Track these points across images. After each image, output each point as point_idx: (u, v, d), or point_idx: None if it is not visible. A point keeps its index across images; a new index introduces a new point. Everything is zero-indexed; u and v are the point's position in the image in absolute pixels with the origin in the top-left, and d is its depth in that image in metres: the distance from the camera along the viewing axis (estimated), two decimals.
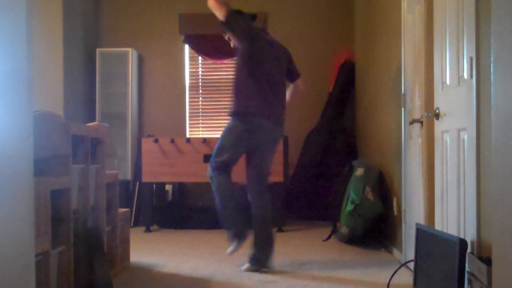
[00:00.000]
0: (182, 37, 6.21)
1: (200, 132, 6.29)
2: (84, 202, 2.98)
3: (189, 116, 6.32)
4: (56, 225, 2.65)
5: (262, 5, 6.22)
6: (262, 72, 3.63)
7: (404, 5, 3.63)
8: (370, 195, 4.26)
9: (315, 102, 6.15)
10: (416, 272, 2.73)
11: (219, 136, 3.76)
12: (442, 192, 2.87)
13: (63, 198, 2.69)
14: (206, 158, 5.15)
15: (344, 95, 6.11)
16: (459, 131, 2.61)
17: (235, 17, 3.64)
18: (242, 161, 3.72)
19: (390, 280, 2.98)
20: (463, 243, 2.27)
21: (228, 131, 3.65)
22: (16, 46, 1.78)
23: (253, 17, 3.83)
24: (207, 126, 6.33)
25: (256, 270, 3.55)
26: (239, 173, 3.84)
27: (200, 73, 6.37)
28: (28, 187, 1.81)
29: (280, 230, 5.17)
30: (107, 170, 3.38)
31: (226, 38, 3.85)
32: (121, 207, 3.80)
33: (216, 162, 3.67)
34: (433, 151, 3.05)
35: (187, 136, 6.17)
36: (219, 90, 6.31)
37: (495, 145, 1.76)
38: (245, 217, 3.65)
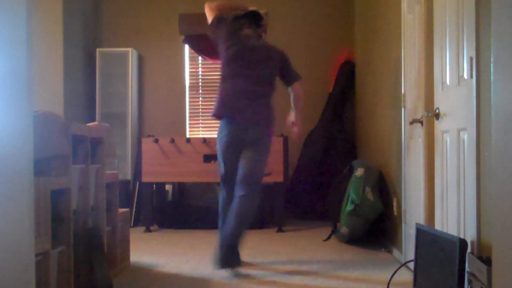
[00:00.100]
0: (182, 37, 6.22)
1: (200, 132, 6.30)
2: (84, 202, 2.98)
3: (189, 116, 6.32)
4: (56, 225, 2.65)
5: (262, 5, 6.21)
6: (235, 75, 3.70)
7: (404, 5, 3.63)
8: (370, 195, 4.26)
9: (315, 102, 6.15)
10: (416, 272, 2.73)
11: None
12: (442, 192, 2.87)
13: (63, 198, 2.69)
14: (206, 158, 5.16)
15: (344, 95, 6.12)
16: (459, 131, 2.61)
17: (216, 25, 3.80)
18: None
19: (390, 280, 2.98)
20: (463, 243, 2.27)
21: (217, 141, 3.75)
22: (16, 46, 1.78)
23: (254, 17, 3.80)
24: (207, 126, 6.33)
25: (225, 267, 3.47)
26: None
27: (200, 73, 6.37)
28: (28, 187, 1.81)
29: (280, 230, 5.17)
30: (107, 170, 3.38)
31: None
32: (121, 207, 3.80)
33: (220, 178, 3.75)
34: (433, 151, 3.06)
35: (187, 136, 6.18)
36: None
37: (495, 145, 1.76)
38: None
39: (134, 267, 3.73)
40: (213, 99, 6.42)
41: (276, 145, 5.21)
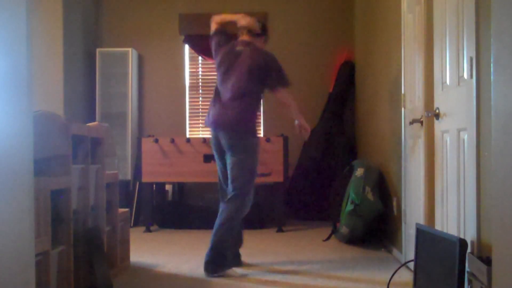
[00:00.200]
0: (182, 37, 6.22)
1: (200, 132, 6.29)
2: (84, 202, 2.98)
3: (189, 116, 6.32)
4: (56, 225, 2.65)
5: (262, 5, 6.22)
6: (218, 83, 3.80)
7: (404, 5, 3.63)
8: (370, 195, 4.26)
9: (315, 102, 6.15)
10: (416, 272, 2.72)
11: None
12: (442, 192, 2.87)
13: (63, 198, 2.69)
14: (206, 158, 5.16)
15: (344, 95, 6.11)
16: (459, 131, 2.61)
17: (212, 37, 4.04)
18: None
19: (390, 280, 2.98)
20: (463, 243, 2.27)
21: None
22: (16, 46, 1.78)
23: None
24: None
25: (214, 274, 3.45)
26: None
27: (200, 73, 6.37)
28: (28, 187, 1.82)
29: (280, 230, 5.17)
30: (107, 170, 3.38)
31: None
32: (121, 207, 3.79)
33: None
34: (433, 151, 3.05)
35: (187, 136, 6.17)
36: None
37: (495, 145, 1.76)
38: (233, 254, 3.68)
39: (134, 267, 3.73)
40: None
41: (276, 145, 5.21)
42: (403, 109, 3.68)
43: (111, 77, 5.93)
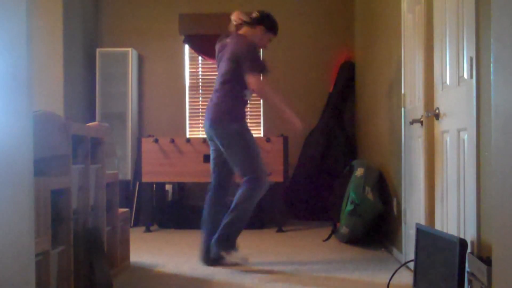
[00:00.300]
0: (182, 37, 6.22)
1: (200, 132, 6.29)
2: (84, 202, 2.98)
3: (189, 116, 6.32)
4: (56, 225, 2.65)
5: (262, 5, 6.21)
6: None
7: (404, 5, 3.63)
8: (370, 195, 4.26)
9: (315, 102, 6.15)
10: (416, 272, 2.73)
11: None
12: (442, 192, 2.87)
13: (63, 198, 2.69)
14: (206, 158, 5.15)
15: (344, 95, 6.11)
16: (459, 131, 2.61)
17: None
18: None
19: (390, 280, 2.98)
20: (463, 243, 2.27)
21: None
22: (16, 46, 1.78)
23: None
24: None
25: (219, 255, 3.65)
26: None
27: (200, 73, 6.37)
28: (28, 187, 1.82)
29: (280, 230, 5.17)
30: (107, 170, 3.38)
31: None
32: (121, 207, 3.80)
33: None
34: (433, 151, 3.06)
35: (187, 136, 6.17)
36: None
37: (495, 145, 1.76)
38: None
39: (134, 267, 3.73)
40: None
41: (276, 145, 5.21)
42: (403, 109, 3.68)
43: (111, 77, 5.93)
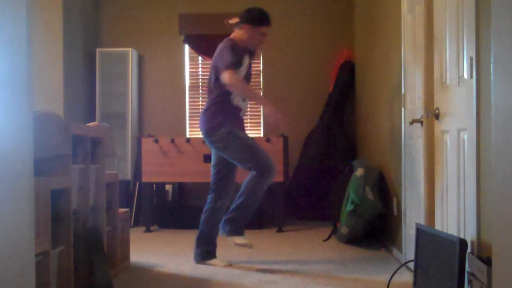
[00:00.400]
0: (182, 37, 6.21)
1: (200, 132, 6.29)
2: (84, 202, 2.98)
3: (189, 116, 6.32)
4: (56, 225, 2.65)
5: (262, 5, 6.20)
6: None
7: (404, 5, 3.63)
8: (370, 195, 4.26)
9: (315, 102, 6.15)
10: (416, 272, 2.73)
11: None
12: (442, 192, 2.87)
13: (63, 198, 2.69)
14: (206, 158, 5.15)
15: (344, 95, 6.11)
16: (459, 131, 2.61)
17: None
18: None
19: (390, 280, 2.98)
20: (463, 243, 2.27)
21: None
22: (16, 46, 1.78)
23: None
24: None
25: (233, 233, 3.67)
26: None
27: (200, 73, 6.37)
28: (28, 187, 1.81)
29: (280, 230, 5.17)
30: (107, 170, 3.38)
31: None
32: (121, 207, 3.80)
33: None
34: (433, 151, 3.05)
35: (187, 136, 6.17)
36: None
37: (495, 145, 1.76)
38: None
39: (134, 267, 3.73)
40: None
41: (276, 145, 5.21)
42: (403, 109, 3.68)
43: (111, 77, 5.93)
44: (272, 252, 4.20)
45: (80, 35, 5.87)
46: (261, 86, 6.23)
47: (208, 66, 6.27)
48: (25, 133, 1.80)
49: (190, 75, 6.35)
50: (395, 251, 3.97)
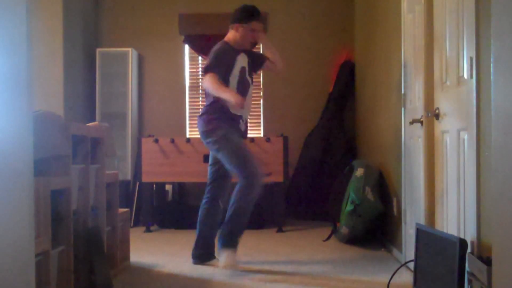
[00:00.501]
0: (182, 37, 6.22)
1: None
2: (84, 202, 2.98)
3: (189, 116, 6.32)
4: (56, 225, 2.65)
5: (262, 5, 6.21)
6: None
7: (404, 5, 3.63)
8: (370, 195, 4.26)
9: (315, 102, 6.15)
10: (416, 272, 2.73)
11: None
12: (442, 192, 2.87)
13: (63, 198, 2.69)
14: (206, 158, 5.15)
15: (344, 95, 6.11)
16: (459, 131, 2.61)
17: None
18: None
19: (390, 280, 2.98)
20: (463, 243, 2.27)
21: None
22: (16, 46, 1.78)
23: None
24: None
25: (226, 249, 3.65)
26: None
27: (200, 73, 6.37)
28: (28, 187, 1.82)
29: (280, 230, 5.17)
30: (107, 170, 3.38)
31: None
32: (121, 207, 3.80)
33: None
34: (433, 151, 3.06)
35: (187, 136, 6.17)
36: None
37: (495, 145, 1.76)
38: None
39: (134, 267, 3.73)
40: None
41: (276, 145, 5.21)
42: (403, 109, 3.68)
43: (111, 77, 5.93)
44: (272, 252, 4.20)
45: (80, 35, 5.87)
46: (261, 86, 6.24)
47: None
48: (25, 133, 1.80)
49: (190, 75, 6.35)
50: (395, 251, 3.97)
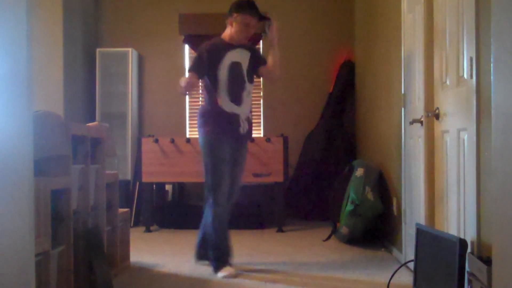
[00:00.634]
0: (182, 37, 6.22)
1: None
2: (84, 202, 2.98)
3: (189, 116, 6.32)
4: (56, 225, 2.65)
5: (262, 5, 6.21)
6: None
7: (404, 5, 3.63)
8: (370, 195, 4.26)
9: (315, 102, 6.15)
10: (416, 272, 2.73)
11: None
12: (442, 192, 2.87)
13: (63, 198, 2.69)
14: None
15: (344, 95, 6.11)
16: (459, 131, 2.61)
17: None
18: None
19: (390, 280, 2.98)
20: (463, 243, 2.27)
21: None
22: (16, 46, 1.78)
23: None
24: None
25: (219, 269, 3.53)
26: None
27: None
28: (28, 187, 1.82)
29: (280, 230, 5.17)
30: (107, 170, 3.38)
31: None
32: (121, 207, 3.79)
33: None
34: (433, 151, 3.06)
35: (187, 136, 6.17)
36: None
37: (495, 145, 1.76)
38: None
39: (134, 267, 3.73)
40: None
41: (276, 145, 5.21)
42: (403, 109, 3.68)
43: (111, 77, 5.93)
44: (272, 252, 4.20)
45: (80, 35, 5.87)
46: (261, 86, 6.24)
47: None
48: (25, 133, 1.80)
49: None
50: (395, 251, 3.97)
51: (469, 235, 2.41)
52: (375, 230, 4.52)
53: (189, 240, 4.76)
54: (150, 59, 6.29)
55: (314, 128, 6.10)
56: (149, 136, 5.38)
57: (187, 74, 3.66)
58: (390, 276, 3.02)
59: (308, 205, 5.86)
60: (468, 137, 2.46)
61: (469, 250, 2.33)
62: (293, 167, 5.92)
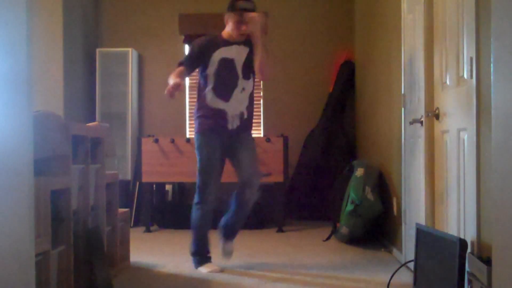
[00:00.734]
0: (182, 37, 6.22)
1: None
2: (84, 202, 2.98)
3: (189, 116, 6.32)
4: (56, 225, 2.65)
5: (262, 5, 6.22)
6: None
7: (404, 5, 3.63)
8: (370, 195, 4.26)
9: (315, 102, 6.15)
10: (416, 272, 2.73)
11: None
12: (442, 192, 2.87)
13: (63, 198, 2.69)
14: None
15: (344, 95, 6.11)
16: (459, 131, 2.61)
17: None
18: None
19: (390, 280, 2.98)
20: (463, 243, 2.27)
21: None
22: (16, 46, 1.78)
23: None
24: None
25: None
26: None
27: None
28: (28, 187, 1.82)
29: (280, 230, 5.17)
30: (107, 170, 3.38)
31: None
32: (121, 207, 3.80)
33: None
34: (433, 151, 3.06)
35: (187, 136, 6.17)
36: None
37: (495, 145, 1.76)
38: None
39: (134, 267, 3.73)
40: None
41: (276, 145, 5.21)
42: (403, 109, 3.68)
43: (111, 77, 5.93)
44: (272, 252, 4.20)
45: (80, 35, 5.87)
46: (261, 86, 6.24)
47: None
48: (25, 133, 1.80)
49: (190, 75, 6.33)
50: (395, 251, 3.97)
51: (469, 235, 2.41)
52: (375, 230, 4.52)
53: (189, 240, 4.76)
54: (150, 59, 6.30)
55: (314, 128, 6.10)
56: (149, 136, 5.38)
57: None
58: (390, 276, 3.02)
59: (308, 205, 5.86)
60: (468, 137, 2.46)
61: (469, 250, 2.33)
62: (293, 167, 5.92)
